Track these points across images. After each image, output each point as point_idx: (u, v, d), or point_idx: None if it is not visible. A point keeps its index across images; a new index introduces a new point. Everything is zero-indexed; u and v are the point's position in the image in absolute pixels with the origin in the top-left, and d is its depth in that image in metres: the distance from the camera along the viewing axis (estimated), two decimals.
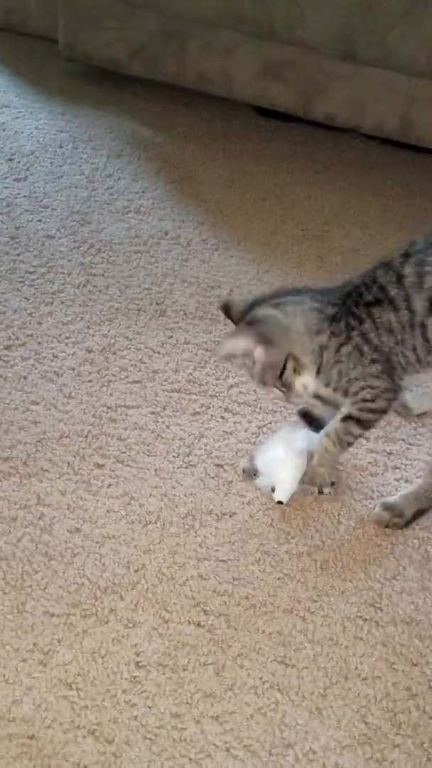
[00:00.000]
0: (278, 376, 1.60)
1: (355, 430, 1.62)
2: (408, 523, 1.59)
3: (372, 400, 1.59)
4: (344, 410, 1.62)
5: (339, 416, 1.62)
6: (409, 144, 2.65)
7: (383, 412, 1.62)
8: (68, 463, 1.66)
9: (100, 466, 1.66)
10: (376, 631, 1.43)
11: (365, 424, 1.62)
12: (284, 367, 1.59)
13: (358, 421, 1.61)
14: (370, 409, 1.60)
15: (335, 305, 1.60)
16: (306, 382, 1.61)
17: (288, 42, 2.55)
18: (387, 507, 1.60)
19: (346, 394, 1.61)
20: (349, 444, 1.64)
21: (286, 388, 1.62)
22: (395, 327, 1.56)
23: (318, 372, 1.60)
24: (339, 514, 1.62)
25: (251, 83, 2.68)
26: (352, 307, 1.58)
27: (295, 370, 1.60)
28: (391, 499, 1.62)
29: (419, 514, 1.60)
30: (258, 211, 2.43)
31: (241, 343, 1.60)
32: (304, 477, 1.63)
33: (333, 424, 1.63)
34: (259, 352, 1.59)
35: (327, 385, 1.61)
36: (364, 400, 1.59)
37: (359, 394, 1.59)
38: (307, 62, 2.58)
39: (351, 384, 1.59)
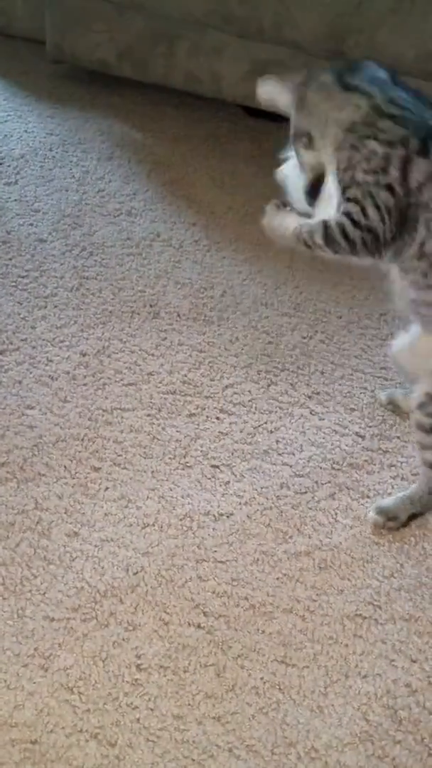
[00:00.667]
0: (299, 144, 1.51)
1: (318, 238, 1.45)
2: (404, 525, 1.60)
3: (353, 224, 1.41)
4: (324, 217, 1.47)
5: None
6: None
7: (352, 249, 1.43)
8: (65, 467, 1.66)
9: (96, 469, 1.66)
10: (375, 629, 1.43)
11: (329, 242, 1.44)
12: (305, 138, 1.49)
13: (326, 233, 1.44)
14: (344, 231, 1.42)
15: (407, 119, 1.39)
16: (324, 158, 1.47)
17: (276, 42, 2.55)
18: (381, 511, 1.59)
19: (342, 193, 1.44)
20: (304, 243, 1.48)
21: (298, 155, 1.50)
22: None
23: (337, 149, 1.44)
24: (336, 513, 1.62)
25: (240, 83, 2.68)
26: (429, 141, 1.38)
27: (305, 147, 1.50)
28: (384, 502, 1.61)
29: (414, 517, 1.60)
30: (250, 212, 2.43)
31: (283, 95, 1.52)
32: None
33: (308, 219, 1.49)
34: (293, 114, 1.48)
35: (338, 168, 1.44)
36: (347, 214, 1.41)
37: (346, 205, 1.41)
38: (296, 62, 2.58)
39: (349, 188, 1.41)
